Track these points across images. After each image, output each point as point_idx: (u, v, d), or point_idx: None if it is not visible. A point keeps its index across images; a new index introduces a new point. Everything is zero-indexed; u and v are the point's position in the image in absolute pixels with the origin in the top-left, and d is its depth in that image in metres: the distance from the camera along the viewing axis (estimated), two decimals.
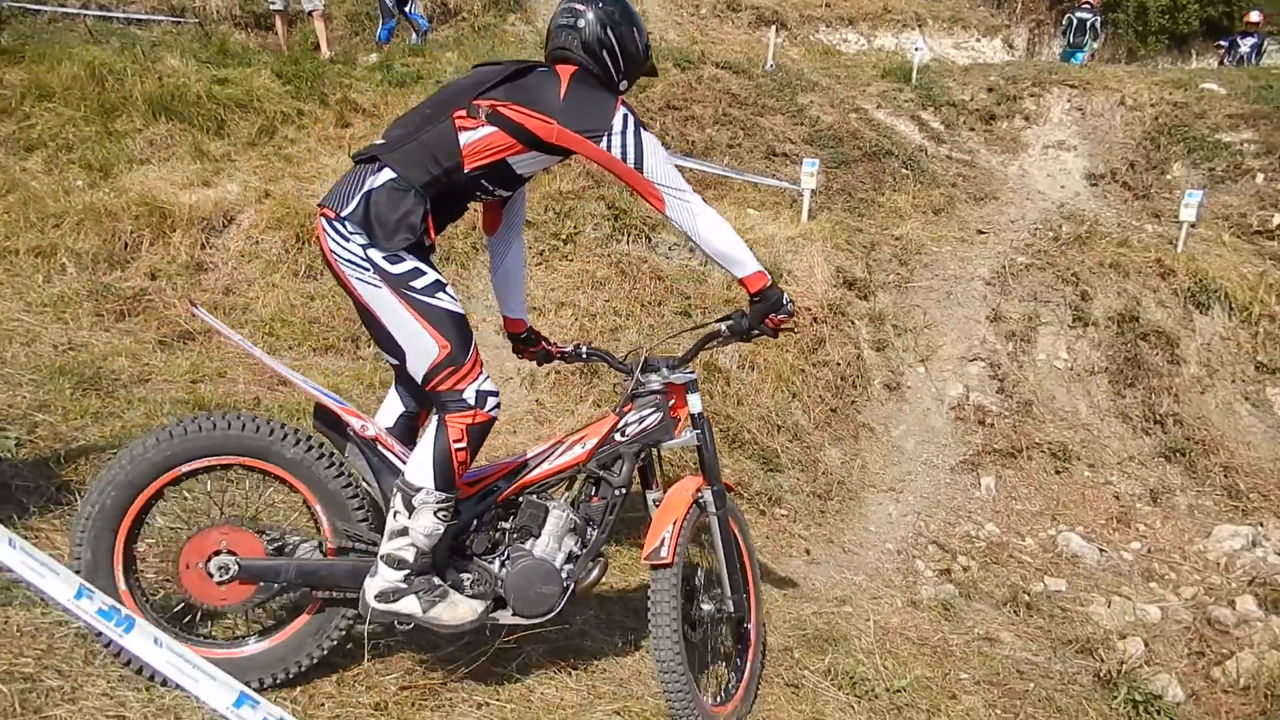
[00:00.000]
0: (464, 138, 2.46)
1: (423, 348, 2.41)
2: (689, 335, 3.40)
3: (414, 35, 11.99)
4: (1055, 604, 4.53)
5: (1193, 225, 7.46)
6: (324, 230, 2.42)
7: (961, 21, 19.79)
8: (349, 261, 2.40)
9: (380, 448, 2.58)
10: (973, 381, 6.53)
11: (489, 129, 2.47)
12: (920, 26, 19.13)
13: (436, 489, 2.44)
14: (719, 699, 2.87)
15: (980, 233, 7.96)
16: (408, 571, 2.47)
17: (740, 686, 2.93)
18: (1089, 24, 17.11)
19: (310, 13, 10.17)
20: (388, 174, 2.41)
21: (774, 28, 13.19)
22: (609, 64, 2.62)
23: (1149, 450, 6.25)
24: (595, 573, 2.70)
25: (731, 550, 2.90)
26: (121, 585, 2.35)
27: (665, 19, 16.71)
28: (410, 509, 2.45)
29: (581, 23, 2.60)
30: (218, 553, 2.40)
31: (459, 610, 2.53)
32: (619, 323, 6.21)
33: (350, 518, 2.52)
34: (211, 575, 2.40)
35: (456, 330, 2.44)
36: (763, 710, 3.06)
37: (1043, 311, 6.91)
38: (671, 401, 2.83)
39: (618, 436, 2.77)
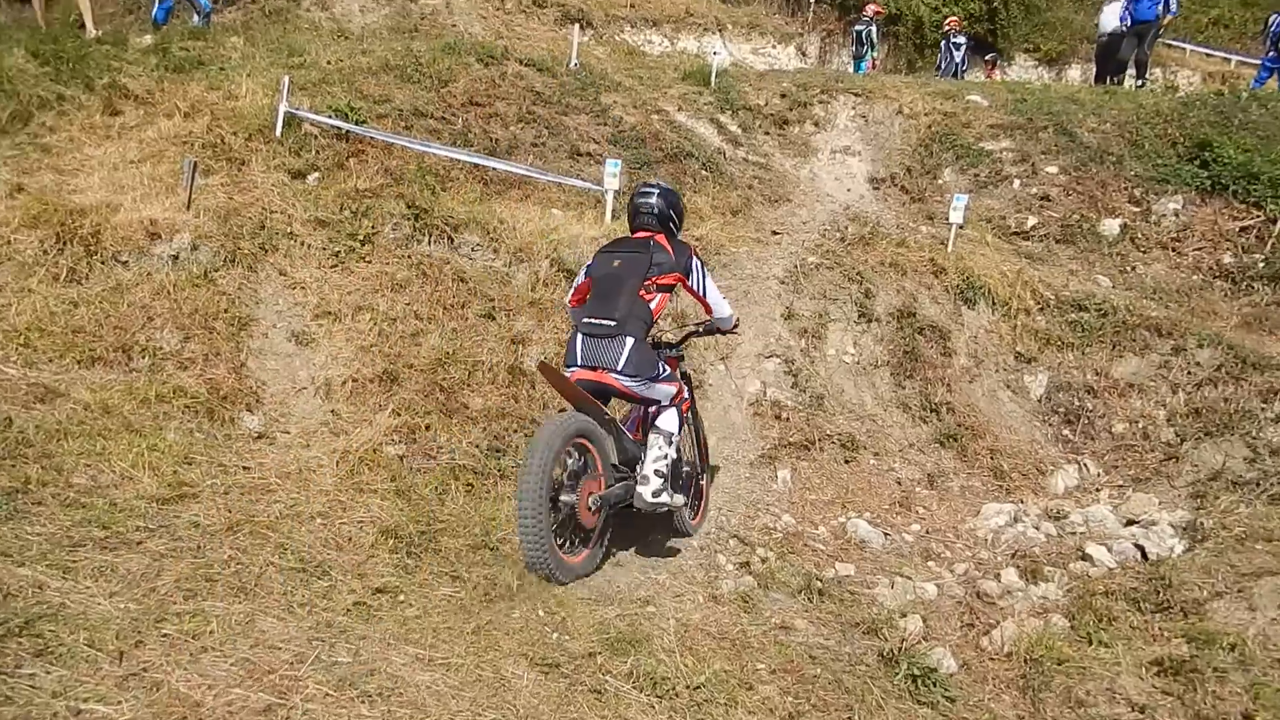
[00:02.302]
0: (651, 305, 4.61)
1: (669, 393, 4.72)
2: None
3: (195, 17, 11.18)
4: (845, 588, 4.79)
5: (961, 227, 8.10)
6: (617, 381, 4.47)
7: (759, 28, 20.59)
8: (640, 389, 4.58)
9: (619, 425, 4.64)
10: (769, 377, 6.80)
11: (659, 295, 4.65)
12: (720, 31, 19.76)
13: (677, 432, 4.67)
14: (693, 513, 5.24)
15: (775, 234, 8.31)
16: (664, 479, 4.53)
17: (699, 515, 5.33)
18: (864, 34, 18.48)
19: None
20: (631, 341, 4.47)
21: (578, 26, 13.23)
22: (675, 224, 4.88)
23: (926, 437, 6.73)
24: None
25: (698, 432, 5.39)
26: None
27: (470, 12, 16.40)
28: (670, 444, 4.59)
29: (655, 205, 4.80)
30: (591, 493, 4.33)
31: (679, 499, 4.69)
32: (420, 326, 6.05)
33: (611, 462, 4.52)
34: (590, 508, 4.33)
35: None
36: (567, 718, 3.07)
37: (831, 309, 7.30)
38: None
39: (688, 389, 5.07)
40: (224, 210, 6.11)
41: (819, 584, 4.71)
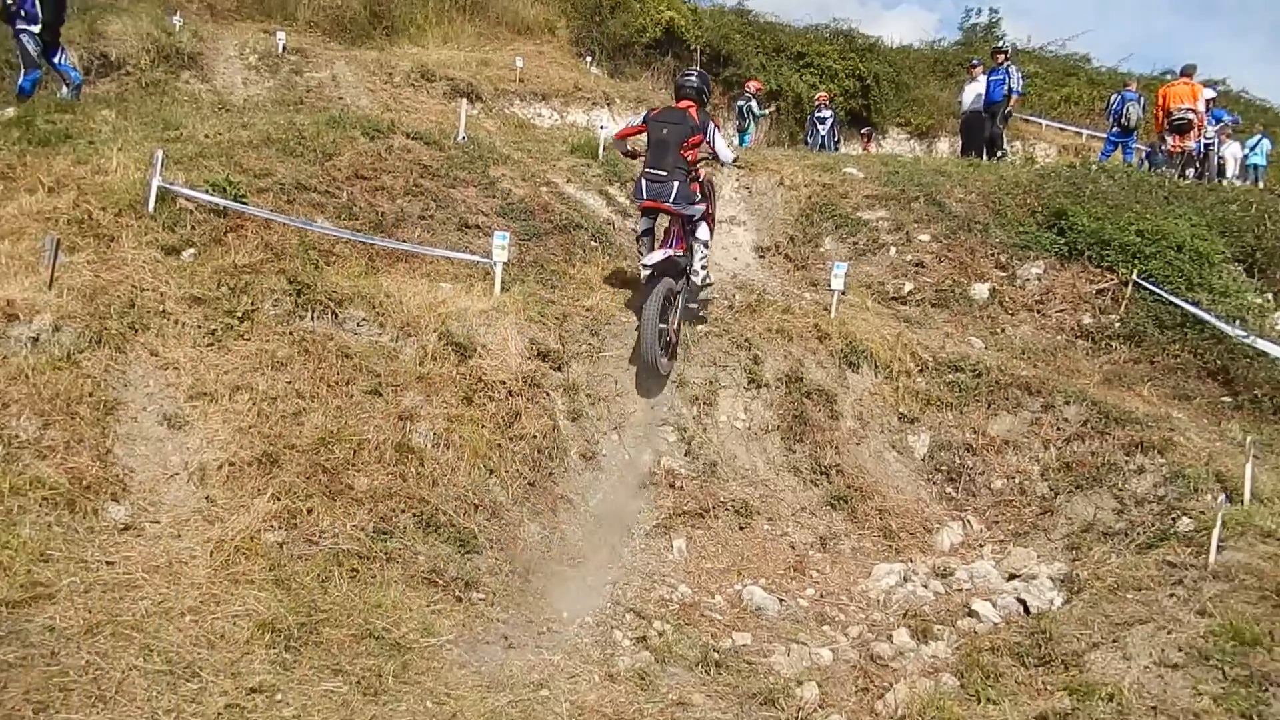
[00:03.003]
0: (687, 157, 7.25)
1: (701, 210, 7.49)
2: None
3: (65, 89, 10.78)
4: (742, 658, 4.78)
5: (842, 293, 8.38)
6: (669, 206, 7.19)
7: (645, 102, 21.08)
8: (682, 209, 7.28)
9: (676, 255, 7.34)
10: (663, 446, 6.83)
11: (692, 150, 7.25)
12: (609, 105, 20.23)
13: (710, 238, 7.78)
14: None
15: None
16: (705, 268, 7.64)
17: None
18: (746, 109, 19.36)
19: None
20: (676, 183, 7.13)
21: (467, 100, 13.33)
22: (706, 97, 7.56)
23: (818, 500, 6.84)
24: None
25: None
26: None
27: (357, 86, 16.36)
28: (707, 247, 7.65)
29: (695, 84, 7.52)
30: (672, 322, 7.26)
31: (709, 280, 7.98)
32: (303, 405, 5.85)
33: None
34: (674, 329, 7.29)
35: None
36: None
37: (722, 375, 7.41)
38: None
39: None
40: (90, 289, 5.83)
41: (716, 655, 4.68)
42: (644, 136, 7.52)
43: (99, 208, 6.56)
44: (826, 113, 19.25)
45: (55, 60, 10.61)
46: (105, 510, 4.80)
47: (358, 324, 6.61)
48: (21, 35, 9.98)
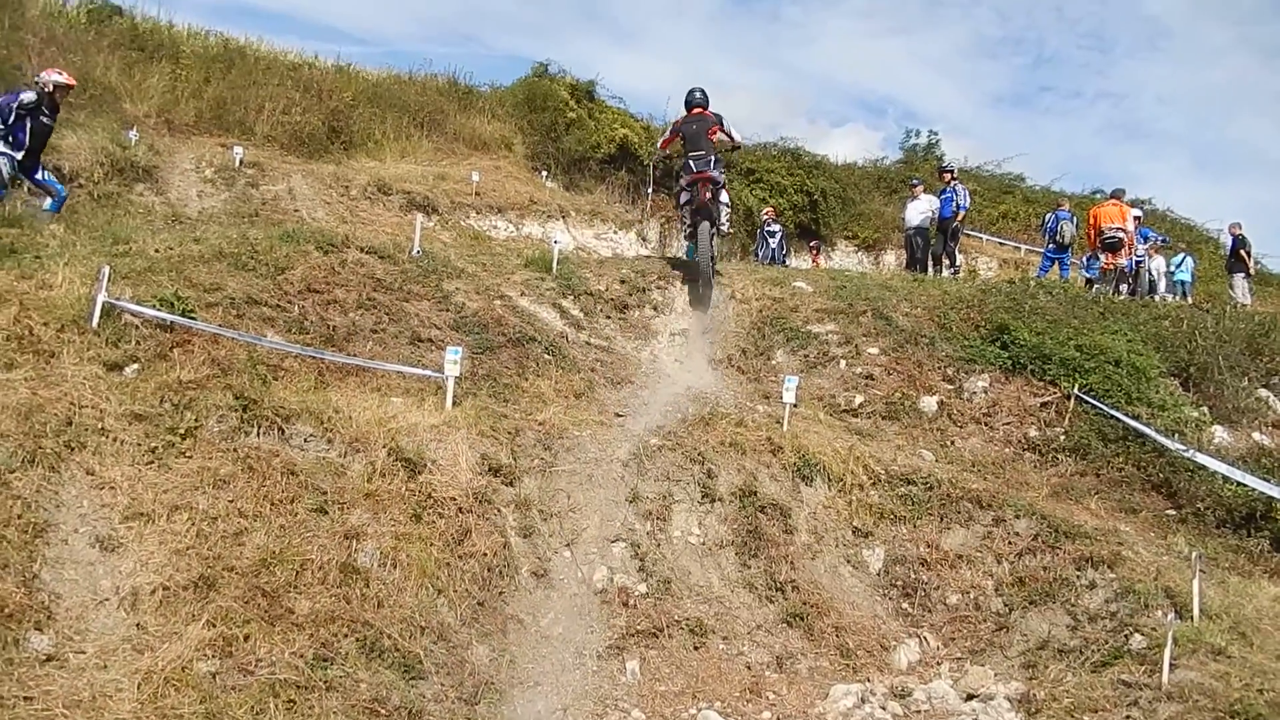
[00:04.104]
0: (714, 139, 11.41)
1: (724, 179, 11.79)
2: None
3: (48, 201, 10.73)
4: None
5: (795, 406, 8.46)
6: (712, 174, 11.25)
7: (600, 215, 21.63)
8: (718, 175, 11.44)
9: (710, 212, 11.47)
10: (616, 563, 6.71)
11: (717, 135, 11.48)
12: (564, 218, 20.65)
13: (729, 202, 12.45)
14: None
15: (618, 415, 8.43)
16: (729, 220, 12.20)
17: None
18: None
19: None
20: (712, 157, 11.40)
21: (420, 215, 13.51)
22: (709, 101, 11.65)
23: (773, 617, 6.73)
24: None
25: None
26: None
27: (313, 198, 16.52)
28: (729, 206, 12.17)
29: (700, 96, 11.57)
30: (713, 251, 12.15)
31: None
32: (244, 525, 5.67)
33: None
34: (713, 256, 11.96)
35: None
36: None
37: (675, 490, 7.37)
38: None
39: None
40: (25, 407, 5.66)
41: None
42: (678, 142, 11.72)
43: (41, 323, 6.44)
44: (775, 227, 19.86)
45: (37, 176, 10.63)
46: (27, 640, 4.54)
47: (305, 440, 6.49)
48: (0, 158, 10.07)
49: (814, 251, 23.37)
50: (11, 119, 10.01)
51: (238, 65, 19.30)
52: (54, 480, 5.48)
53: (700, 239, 11.22)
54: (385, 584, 5.69)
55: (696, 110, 11.42)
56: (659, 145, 13.09)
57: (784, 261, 19.39)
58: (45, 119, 10.38)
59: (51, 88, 10.39)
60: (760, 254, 19.78)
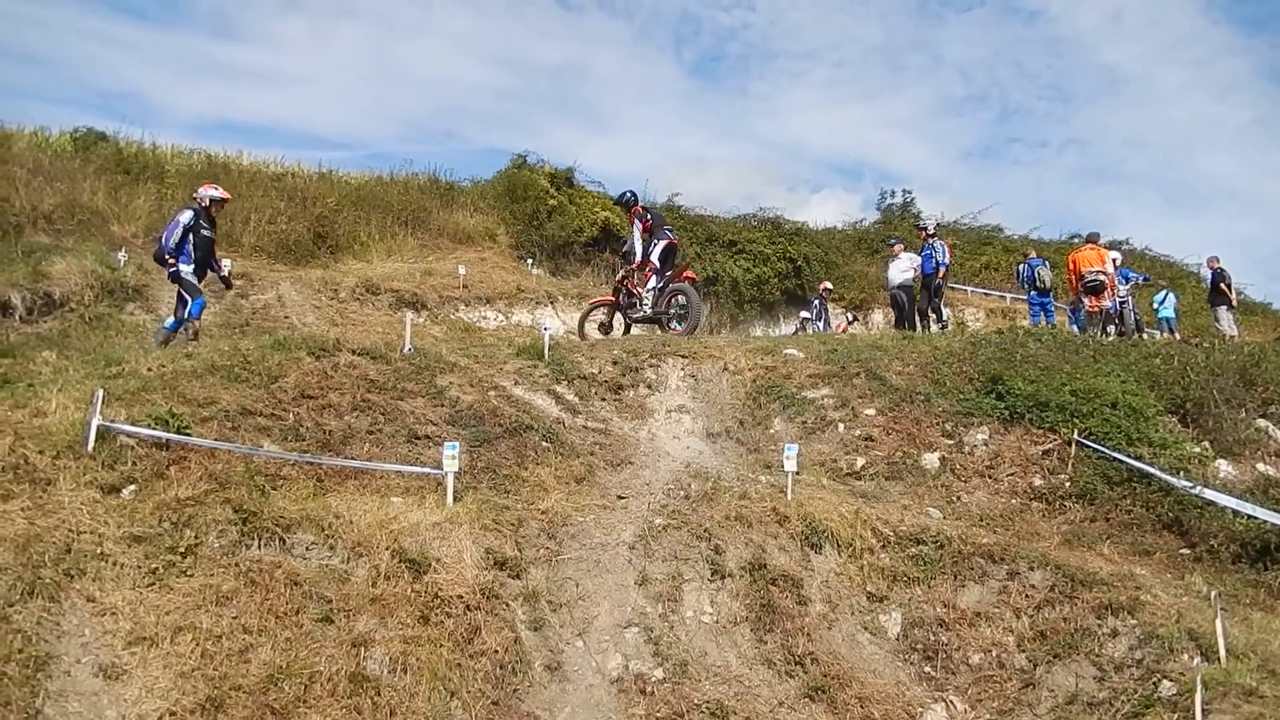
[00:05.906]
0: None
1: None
2: None
3: (178, 326, 10.96)
4: None
5: (796, 473, 8.41)
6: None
7: (587, 297, 21.79)
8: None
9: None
10: (630, 649, 6.58)
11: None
12: (552, 303, 20.85)
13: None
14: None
15: (620, 498, 8.37)
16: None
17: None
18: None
19: None
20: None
21: (409, 312, 13.62)
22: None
23: (795, 692, 6.57)
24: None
25: None
26: None
27: (303, 304, 16.69)
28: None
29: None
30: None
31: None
32: (250, 641, 5.58)
33: None
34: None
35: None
36: None
37: (684, 569, 7.27)
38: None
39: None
40: (23, 538, 5.61)
41: None
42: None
43: (36, 451, 6.43)
44: (817, 302, 20.79)
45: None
46: None
47: (306, 548, 6.42)
48: (182, 272, 10.72)
49: (846, 324, 23.40)
50: (179, 240, 10.62)
51: (222, 180, 19.63)
52: (54, 610, 5.39)
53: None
54: (396, 691, 5.57)
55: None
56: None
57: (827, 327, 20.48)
58: (205, 232, 10.97)
59: (208, 202, 11.06)
60: (819, 325, 20.50)
